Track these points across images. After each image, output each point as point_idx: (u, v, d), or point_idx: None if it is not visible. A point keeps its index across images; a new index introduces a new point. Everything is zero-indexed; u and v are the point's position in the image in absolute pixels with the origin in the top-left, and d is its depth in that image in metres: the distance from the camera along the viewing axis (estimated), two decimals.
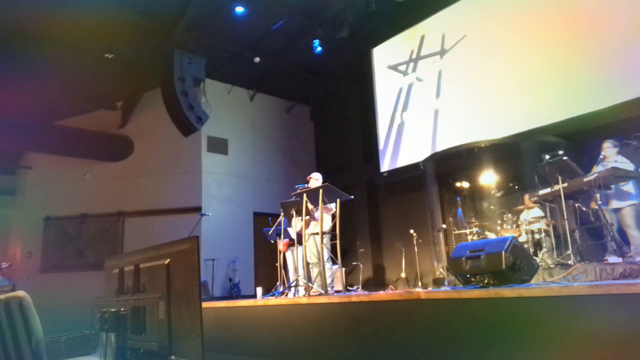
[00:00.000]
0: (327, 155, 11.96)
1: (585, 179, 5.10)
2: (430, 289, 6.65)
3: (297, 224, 5.53)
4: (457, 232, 7.57)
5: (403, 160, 9.46)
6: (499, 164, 7.68)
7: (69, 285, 9.27)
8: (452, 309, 2.95)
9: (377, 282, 9.64)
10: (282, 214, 5.71)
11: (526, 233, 6.29)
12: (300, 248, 5.40)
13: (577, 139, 6.96)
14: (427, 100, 9.21)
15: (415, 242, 7.69)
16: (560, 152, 6.31)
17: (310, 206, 5.19)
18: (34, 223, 10.02)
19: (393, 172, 9.68)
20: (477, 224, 7.26)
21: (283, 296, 5.43)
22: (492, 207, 7.98)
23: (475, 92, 8.29)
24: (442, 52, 9.02)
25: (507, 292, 2.77)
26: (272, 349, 4.21)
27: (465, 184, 8.39)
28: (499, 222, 6.97)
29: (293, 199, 5.43)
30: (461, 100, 8.51)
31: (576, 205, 5.60)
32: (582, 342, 2.33)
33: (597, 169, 5.23)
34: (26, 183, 10.35)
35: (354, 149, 11.11)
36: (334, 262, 5.77)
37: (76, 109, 10.16)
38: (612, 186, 5.28)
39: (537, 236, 6.30)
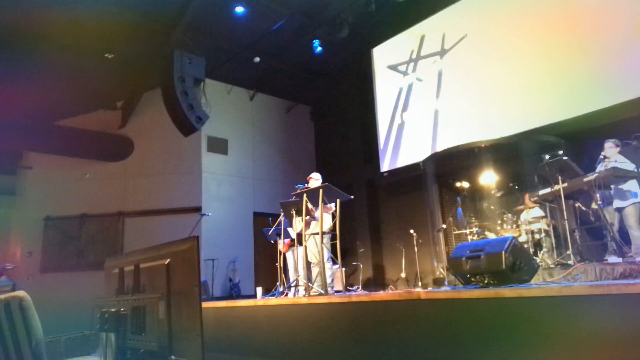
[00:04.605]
0: (327, 155, 11.96)
1: (585, 179, 5.10)
2: (430, 289, 6.65)
3: (297, 224, 5.53)
4: (457, 232, 7.57)
5: (403, 160, 9.46)
6: (499, 164, 7.68)
7: (69, 285, 9.27)
8: (452, 309, 2.95)
9: (377, 282, 9.64)
10: (282, 214, 5.71)
11: (526, 233, 6.29)
12: (300, 248, 5.40)
13: (577, 139, 6.96)
14: (427, 100, 9.21)
15: (415, 242, 7.68)
16: (560, 152, 6.31)
17: (310, 206, 5.19)
18: (34, 223, 10.02)
19: (393, 172, 9.67)
20: (477, 224, 7.27)
21: (283, 296, 5.43)
22: (492, 207, 7.98)
23: (475, 92, 8.29)
24: (442, 52, 9.02)
25: (507, 292, 2.77)
26: (272, 349, 4.21)
27: (465, 184, 8.38)
28: (499, 222, 6.97)
29: (293, 199, 5.43)
30: (461, 100, 8.51)
31: (576, 205, 5.61)
32: (582, 342, 2.33)
33: (599, 169, 5.23)
34: (26, 183, 10.35)
35: (354, 149, 11.11)
36: (334, 262, 5.77)
37: (76, 109, 10.16)
38: (612, 186, 5.28)
39: (537, 236, 6.30)
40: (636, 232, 5.11)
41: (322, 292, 4.79)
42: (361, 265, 9.14)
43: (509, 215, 6.77)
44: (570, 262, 4.98)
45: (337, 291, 6.25)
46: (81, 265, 9.77)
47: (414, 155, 9.09)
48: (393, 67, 10.03)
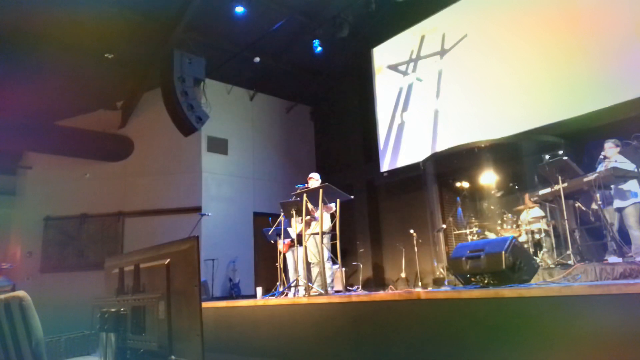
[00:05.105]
0: (327, 155, 11.96)
1: (585, 179, 5.10)
2: (430, 289, 6.65)
3: (297, 224, 5.53)
4: (457, 232, 7.56)
5: (403, 160, 9.46)
6: (499, 164, 7.68)
7: (69, 285, 9.27)
8: (452, 309, 2.95)
9: (377, 282, 9.64)
10: (282, 214, 5.71)
11: (526, 233, 6.29)
12: (300, 248, 5.40)
13: (577, 139, 6.97)
14: (427, 100, 9.21)
15: (415, 242, 7.68)
16: (560, 152, 6.31)
17: (310, 206, 5.20)
18: (34, 223, 10.02)
19: (393, 172, 9.67)
20: (477, 224, 7.26)
21: (283, 296, 5.43)
22: (492, 207, 7.98)
23: (475, 92, 8.29)
24: (442, 52, 9.02)
25: (507, 292, 2.77)
26: (272, 349, 4.21)
27: (465, 184, 8.38)
28: (499, 222, 6.97)
29: (293, 199, 5.43)
30: (461, 100, 8.51)
31: (576, 205, 5.61)
32: (582, 342, 2.33)
33: (599, 169, 5.23)
34: (26, 183, 10.34)
35: (354, 149, 11.11)
36: (334, 262, 5.77)
37: (76, 109, 10.16)
38: (612, 186, 5.28)
39: (537, 236, 6.30)
40: (636, 232, 5.11)
41: (322, 292, 4.80)
42: (361, 265, 9.14)
43: (509, 215, 6.77)
44: (570, 262, 4.98)
45: (337, 291, 6.25)
46: (81, 265, 9.77)
47: (414, 155, 9.09)
48: (393, 67, 10.03)
